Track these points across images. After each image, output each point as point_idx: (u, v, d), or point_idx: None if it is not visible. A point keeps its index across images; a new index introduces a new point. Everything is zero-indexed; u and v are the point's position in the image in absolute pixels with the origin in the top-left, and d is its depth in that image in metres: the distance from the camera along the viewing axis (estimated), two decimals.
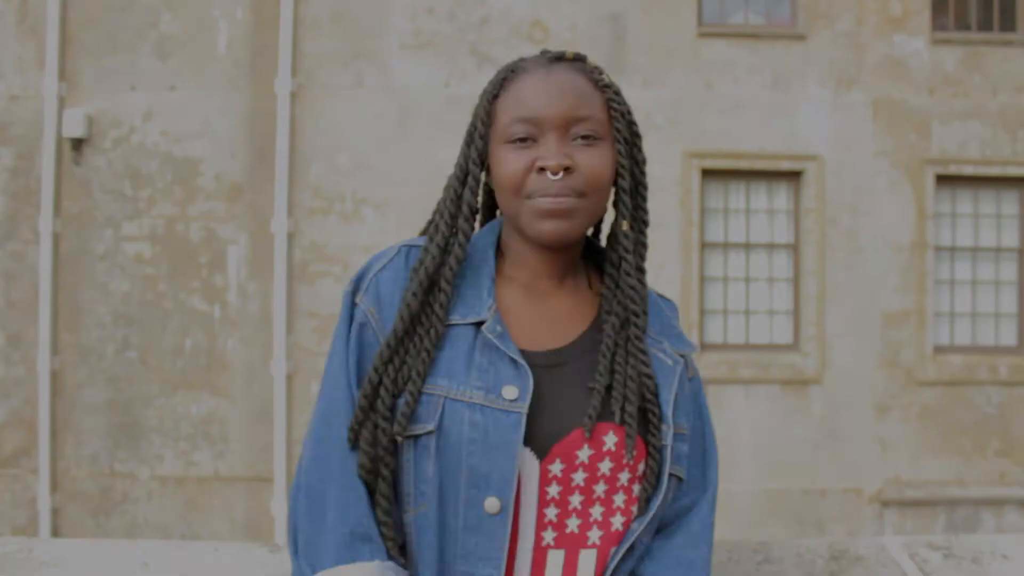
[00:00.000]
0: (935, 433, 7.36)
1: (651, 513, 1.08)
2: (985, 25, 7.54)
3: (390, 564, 1.03)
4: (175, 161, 7.17)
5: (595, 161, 1.08)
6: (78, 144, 7.12)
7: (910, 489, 7.30)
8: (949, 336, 7.54)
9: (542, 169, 1.06)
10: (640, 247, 1.15)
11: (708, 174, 7.36)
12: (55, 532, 7.12)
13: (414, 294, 1.07)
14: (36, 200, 7.15)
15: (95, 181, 7.18)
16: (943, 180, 7.45)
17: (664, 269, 7.19)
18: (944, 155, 7.37)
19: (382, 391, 1.05)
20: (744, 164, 7.30)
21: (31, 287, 7.15)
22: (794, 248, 7.42)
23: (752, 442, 7.26)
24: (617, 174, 1.12)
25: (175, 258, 7.16)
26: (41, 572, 1.39)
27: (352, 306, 1.11)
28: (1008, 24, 7.52)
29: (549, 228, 1.07)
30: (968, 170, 7.40)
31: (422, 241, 1.14)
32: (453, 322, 1.08)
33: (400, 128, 7.13)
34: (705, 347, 7.36)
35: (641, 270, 1.15)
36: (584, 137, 1.08)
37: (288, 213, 7.10)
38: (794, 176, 7.41)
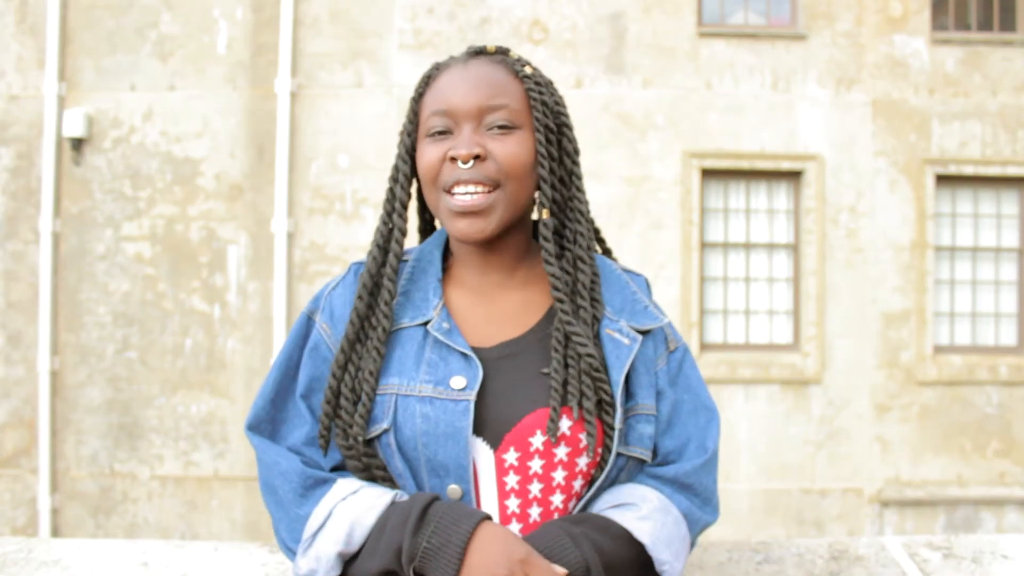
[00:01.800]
0: (935, 433, 7.36)
1: (590, 492, 1.07)
2: (985, 25, 7.54)
3: (354, 479, 1.06)
4: (175, 161, 7.17)
5: (509, 149, 1.08)
6: (78, 144, 7.12)
7: (910, 489, 7.30)
8: (949, 336, 7.54)
9: (454, 159, 1.07)
10: (578, 236, 1.13)
11: (708, 174, 7.36)
12: (55, 532, 7.12)
13: (359, 297, 1.10)
14: (36, 200, 7.15)
15: (95, 181, 7.18)
16: (943, 180, 7.45)
17: (664, 269, 7.19)
18: (944, 155, 7.37)
19: (342, 399, 1.07)
20: (744, 164, 7.30)
21: (31, 287, 7.15)
22: (794, 248, 7.42)
23: (752, 442, 7.25)
24: (538, 163, 1.11)
25: (175, 258, 7.16)
26: (41, 572, 1.38)
27: (307, 324, 1.15)
28: (1008, 24, 7.52)
29: (463, 226, 1.08)
30: (968, 170, 7.39)
31: None
32: (403, 325, 1.10)
33: (400, 128, 7.12)
34: (705, 347, 7.35)
35: (583, 260, 1.12)
36: (500, 127, 1.09)
37: (288, 213, 7.10)
38: (794, 176, 7.41)
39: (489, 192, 1.07)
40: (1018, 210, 7.57)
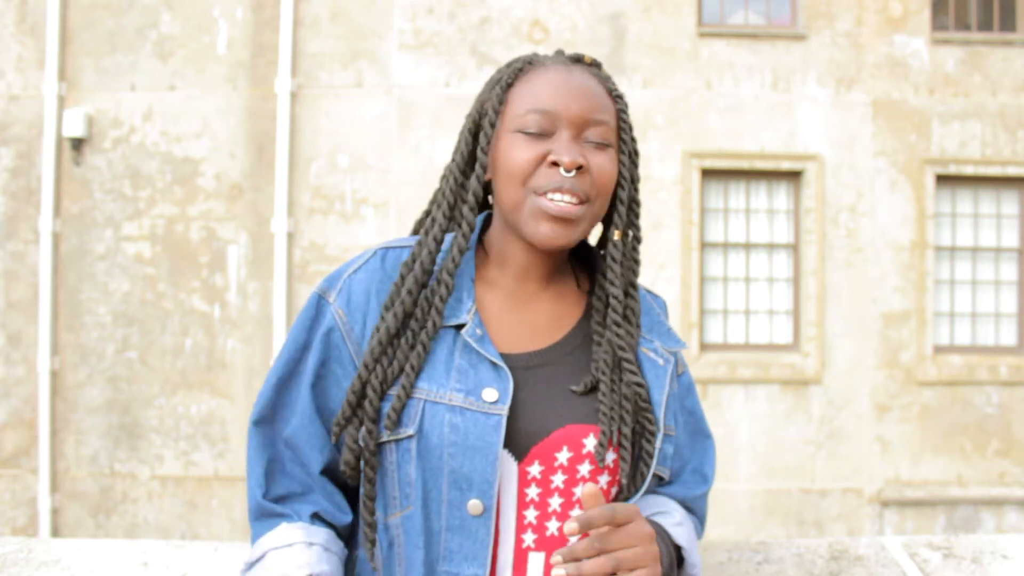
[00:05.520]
0: (935, 433, 7.36)
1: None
2: (985, 25, 7.54)
3: (297, 526, 1.07)
4: (175, 161, 7.17)
5: (606, 165, 1.07)
6: (78, 144, 7.12)
7: (910, 489, 7.30)
8: (949, 336, 7.54)
9: (555, 164, 1.05)
10: (631, 262, 1.14)
11: (708, 174, 7.36)
12: (55, 532, 7.12)
13: (409, 291, 1.05)
14: (36, 200, 7.15)
15: (95, 181, 7.18)
16: (943, 180, 7.45)
17: (664, 269, 7.19)
18: (944, 155, 7.37)
19: (369, 391, 1.04)
20: (744, 164, 7.30)
21: (31, 287, 7.15)
22: (794, 248, 7.42)
23: (752, 442, 7.25)
24: (618, 184, 1.11)
25: (175, 258, 7.16)
26: (41, 572, 1.38)
27: (318, 304, 1.10)
28: (1008, 24, 7.52)
29: (549, 231, 1.05)
30: (968, 170, 7.40)
31: (401, 243, 1.13)
32: None
33: (400, 128, 7.13)
34: (705, 347, 7.35)
35: (633, 285, 1.14)
36: (596, 142, 1.07)
37: (288, 213, 7.10)
38: (794, 176, 7.41)
39: (581, 204, 1.06)
40: (1018, 210, 7.57)
